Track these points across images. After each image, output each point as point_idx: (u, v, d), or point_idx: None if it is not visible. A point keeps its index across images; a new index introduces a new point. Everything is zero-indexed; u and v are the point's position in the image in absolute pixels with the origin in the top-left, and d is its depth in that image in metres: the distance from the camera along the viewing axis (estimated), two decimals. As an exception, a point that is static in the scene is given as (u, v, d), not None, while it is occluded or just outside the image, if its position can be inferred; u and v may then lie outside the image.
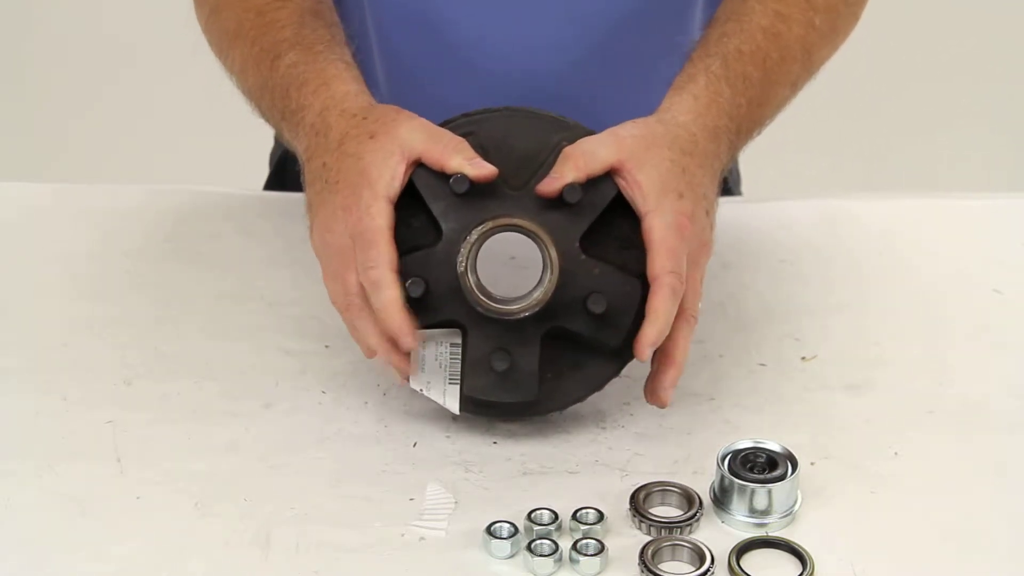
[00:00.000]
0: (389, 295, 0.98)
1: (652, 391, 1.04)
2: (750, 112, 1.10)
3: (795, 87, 1.16)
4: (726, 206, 1.37)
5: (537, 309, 1.00)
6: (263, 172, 1.58)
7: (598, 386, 1.06)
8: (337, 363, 1.15)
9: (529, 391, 1.03)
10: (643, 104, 1.19)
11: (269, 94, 1.12)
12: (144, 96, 2.92)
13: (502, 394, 1.03)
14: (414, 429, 1.08)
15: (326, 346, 1.17)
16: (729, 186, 1.51)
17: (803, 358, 1.17)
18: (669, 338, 1.02)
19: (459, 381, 1.03)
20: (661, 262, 1.00)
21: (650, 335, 1.00)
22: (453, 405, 1.04)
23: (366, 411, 1.10)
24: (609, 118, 1.07)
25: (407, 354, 1.02)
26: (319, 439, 1.06)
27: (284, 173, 1.51)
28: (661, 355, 1.03)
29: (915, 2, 2.68)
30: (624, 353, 1.05)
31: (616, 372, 1.06)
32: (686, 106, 1.07)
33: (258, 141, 1.58)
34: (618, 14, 1.25)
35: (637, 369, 1.14)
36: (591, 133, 1.05)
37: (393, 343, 1.01)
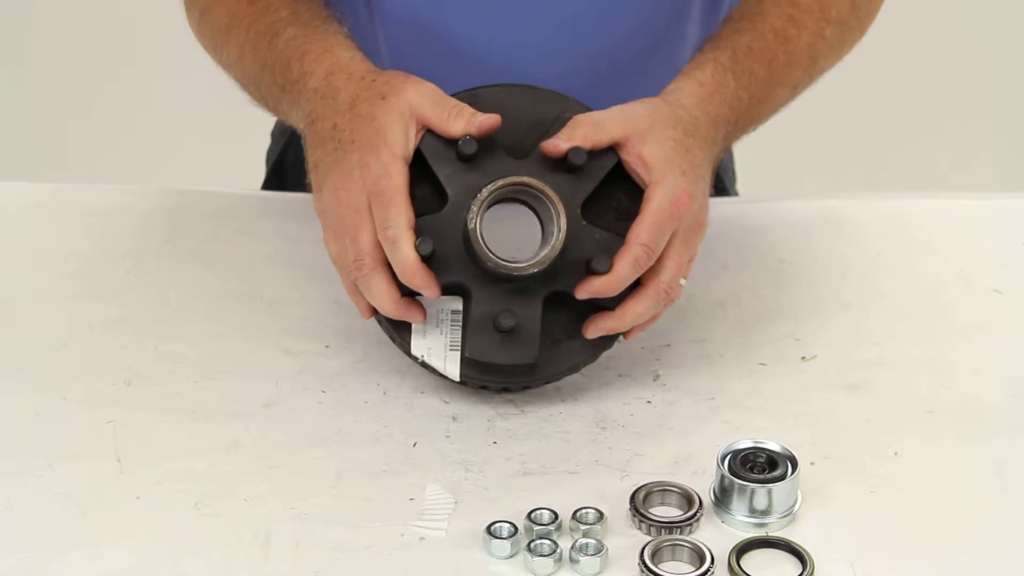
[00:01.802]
0: (410, 252, 1.01)
1: (586, 323, 1.06)
2: (750, 107, 1.13)
3: (795, 90, 1.19)
4: (726, 206, 1.38)
5: (546, 266, 1.02)
6: (262, 172, 1.58)
7: (594, 355, 1.08)
8: (337, 363, 1.15)
9: (530, 352, 1.04)
10: None
11: (269, 72, 1.13)
12: (144, 96, 2.92)
13: (504, 355, 1.04)
14: (414, 429, 1.08)
15: (326, 346, 1.17)
16: (725, 184, 1.51)
17: (803, 358, 1.17)
18: (629, 298, 1.05)
19: (460, 347, 1.05)
20: (638, 232, 1.03)
21: (594, 284, 1.03)
22: (453, 371, 1.06)
23: (366, 411, 1.10)
24: None
25: (419, 307, 1.04)
26: (319, 439, 1.06)
27: (282, 172, 1.52)
28: (617, 306, 1.05)
29: (916, 3, 2.68)
30: None
31: (612, 341, 1.08)
32: (690, 90, 1.10)
33: (257, 141, 1.58)
34: (616, 29, 1.26)
35: (637, 369, 1.14)
36: (588, 108, 1.08)
37: (402, 302, 1.04)
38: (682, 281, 1.06)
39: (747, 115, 1.13)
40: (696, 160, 1.06)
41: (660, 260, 1.04)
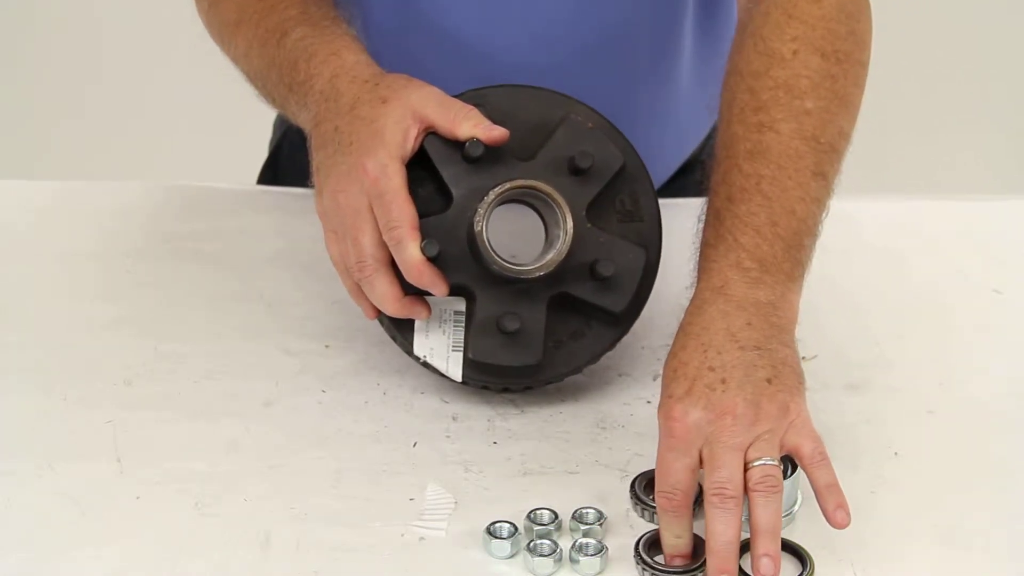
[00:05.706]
0: (416, 252, 1.01)
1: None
2: (771, 239, 1.02)
3: (823, 175, 1.06)
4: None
5: (552, 269, 1.02)
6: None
7: (595, 356, 1.08)
8: (337, 363, 1.15)
9: (534, 354, 1.04)
10: (628, 106, 1.21)
11: (276, 70, 1.13)
12: (145, 94, 2.92)
13: (507, 356, 1.05)
14: (414, 429, 1.08)
15: (326, 346, 1.17)
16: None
17: (803, 358, 1.16)
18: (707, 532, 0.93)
19: (463, 348, 1.05)
20: (656, 481, 0.95)
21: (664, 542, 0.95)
22: (456, 372, 1.06)
23: (366, 411, 1.10)
24: None
25: (423, 302, 1.04)
26: (319, 439, 1.06)
27: (277, 164, 1.51)
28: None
29: (914, 3, 2.68)
30: (623, 323, 1.07)
31: (614, 342, 1.08)
32: (696, 302, 1.01)
33: (258, 139, 1.58)
34: (607, 18, 1.25)
35: (637, 369, 1.14)
36: (592, 110, 1.07)
37: (406, 300, 1.03)
38: (767, 461, 0.92)
39: (773, 244, 1.01)
40: (688, 370, 0.96)
41: (711, 471, 0.93)
